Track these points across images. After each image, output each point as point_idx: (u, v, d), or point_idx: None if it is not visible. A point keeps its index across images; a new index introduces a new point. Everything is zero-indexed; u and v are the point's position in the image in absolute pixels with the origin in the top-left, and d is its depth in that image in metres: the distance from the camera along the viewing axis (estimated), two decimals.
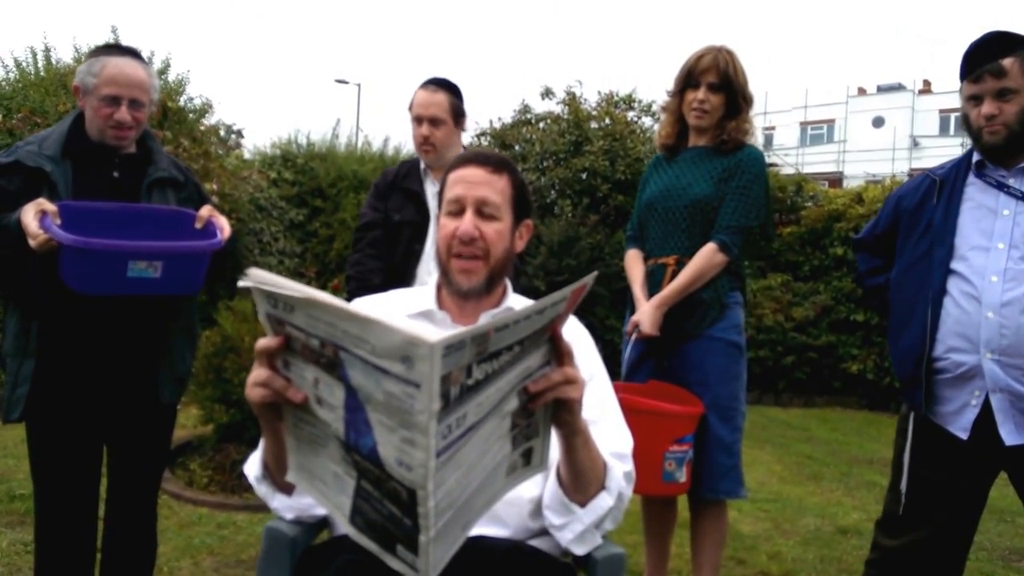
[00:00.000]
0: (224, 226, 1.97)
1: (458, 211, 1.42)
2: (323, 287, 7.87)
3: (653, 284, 2.32)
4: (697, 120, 2.32)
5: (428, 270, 2.44)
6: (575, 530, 1.28)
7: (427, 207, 2.50)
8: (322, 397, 1.06)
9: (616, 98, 8.78)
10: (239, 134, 9.46)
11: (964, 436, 1.86)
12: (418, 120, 2.46)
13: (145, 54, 8.57)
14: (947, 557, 2.03)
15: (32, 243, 1.70)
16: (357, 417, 1.03)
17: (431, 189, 2.53)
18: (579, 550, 1.29)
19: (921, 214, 2.01)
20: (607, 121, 8.28)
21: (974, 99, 1.87)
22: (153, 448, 2.12)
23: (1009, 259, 1.82)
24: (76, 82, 1.96)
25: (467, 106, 2.59)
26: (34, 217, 1.71)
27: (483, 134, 9.37)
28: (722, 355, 2.25)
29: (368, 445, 1.02)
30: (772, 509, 3.77)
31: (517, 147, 8.90)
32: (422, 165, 2.55)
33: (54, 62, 7.86)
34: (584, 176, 7.85)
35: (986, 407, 1.83)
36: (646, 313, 2.24)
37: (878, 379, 7.16)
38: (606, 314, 7.66)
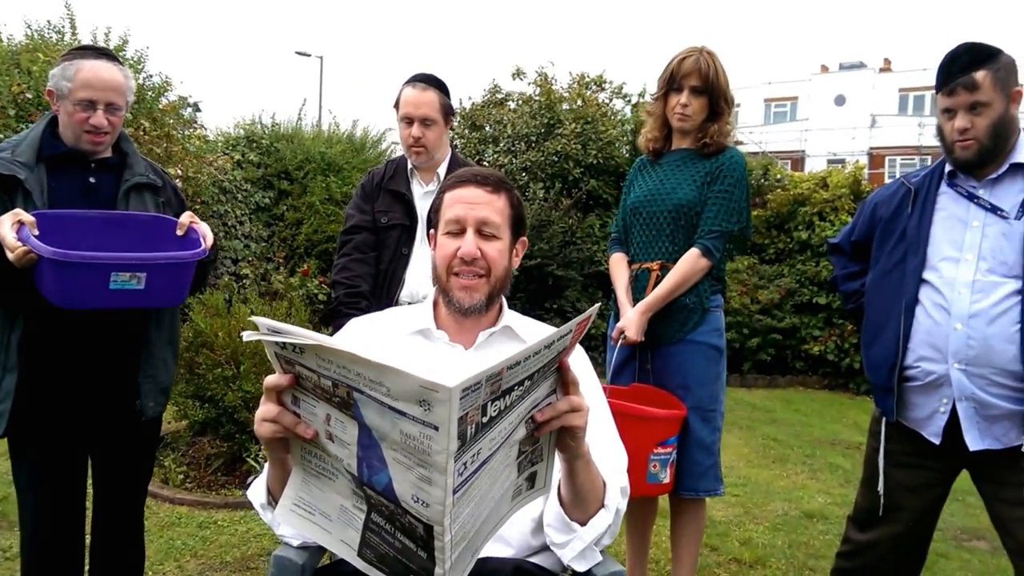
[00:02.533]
0: (207, 233, 1.96)
1: (459, 231, 1.44)
2: (292, 272, 7.82)
3: (638, 289, 2.37)
4: (680, 123, 2.36)
5: (416, 274, 2.45)
6: (576, 548, 1.32)
7: (415, 209, 2.48)
8: (334, 433, 1.08)
9: (587, 79, 8.78)
10: (195, 107, 9.23)
11: (937, 441, 1.95)
12: (408, 120, 2.41)
13: (100, 31, 8.27)
14: (914, 547, 2.15)
15: (10, 256, 1.66)
16: (371, 454, 1.05)
17: (419, 190, 2.51)
18: (580, 567, 1.34)
19: (896, 222, 2.08)
20: (579, 103, 8.29)
21: (948, 112, 1.93)
22: (138, 459, 2.12)
23: (978, 271, 1.89)
24: (49, 86, 1.91)
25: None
26: (11, 229, 1.68)
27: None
28: (703, 359, 2.31)
29: (383, 481, 1.05)
30: (742, 494, 3.89)
31: (488, 128, 8.87)
32: (409, 166, 2.53)
33: (5, 40, 7.57)
34: (556, 159, 7.87)
35: (954, 413, 1.92)
36: (631, 320, 2.28)
37: (838, 360, 7.37)
38: (577, 297, 7.73)
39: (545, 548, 1.39)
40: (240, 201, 8.13)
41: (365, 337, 1.50)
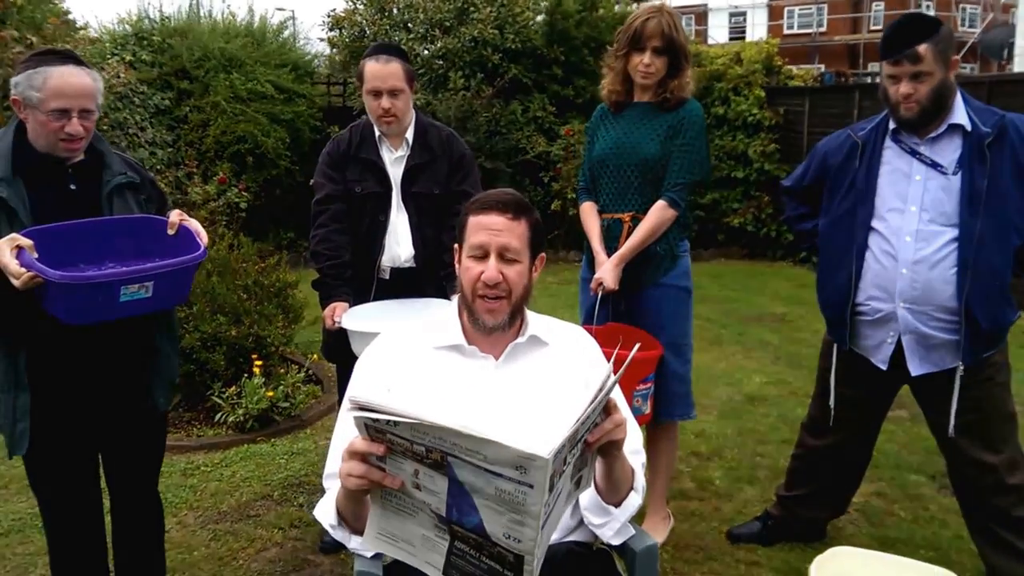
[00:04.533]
0: (199, 230, 1.98)
1: (482, 255, 1.54)
2: (206, 179, 7.48)
3: (611, 238, 2.50)
4: (643, 80, 2.45)
5: (395, 238, 2.50)
6: (614, 527, 1.52)
7: (388, 176, 2.50)
8: (422, 484, 1.19)
9: None
10: None
11: (884, 367, 2.22)
12: (376, 93, 2.41)
13: None
14: (860, 450, 2.49)
15: (16, 283, 1.65)
16: (462, 502, 1.17)
17: (388, 156, 2.52)
18: (616, 541, 1.54)
19: (845, 173, 2.26)
20: None
21: (892, 78, 2.08)
22: (151, 451, 2.17)
23: (920, 221, 2.11)
24: (16, 95, 1.82)
25: None
26: (11, 255, 1.66)
27: None
28: (675, 300, 2.50)
29: (474, 522, 1.18)
30: None
31: (395, 11, 8.41)
32: (376, 132, 2.51)
33: None
34: (473, 46, 7.61)
35: (899, 343, 2.19)
36: (608, 271, 2.42)
37: (757, 230, 7.82)
38: (506, 187, 7.76)
39: (580, 524, 1.58)
40: (138, 106, 7.56)
41: (398, 355, 1.58)
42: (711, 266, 7.51)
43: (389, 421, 1.12)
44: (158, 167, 7.53)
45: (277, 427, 3.78)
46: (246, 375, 3.83)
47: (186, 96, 7.86)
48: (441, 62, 7.75)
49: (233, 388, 3.81)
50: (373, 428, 1.15)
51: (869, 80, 12.68)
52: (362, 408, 1.12)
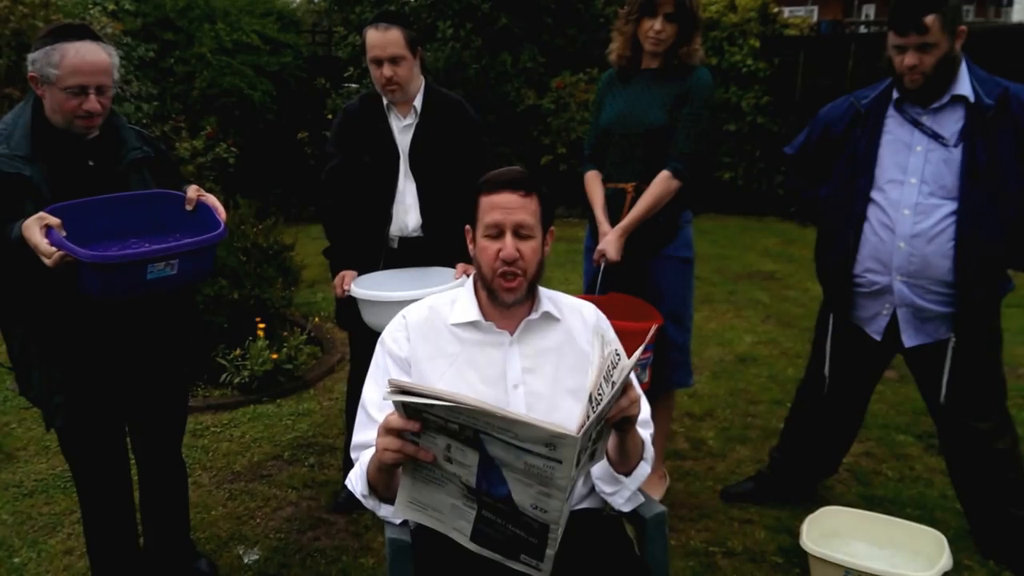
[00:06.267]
0: (217, 206, 2.02)
1: (497, 234, 1.59)
2: (194, 134, 7.39)
3: (614, 209, 2.55)
4: (653, 47, 2.47)
5: (403, 207, 2.54)
6: (624, 495, 1.62)
7: (395, 144, 2.52)
8: (453, 458, 1.28)
9: None
10: None
11: (878, 338, 2.31)
12: (377, 62, 2.41)
13: None
14: (851, 416, 2.60)
15: (47, 262, 1.70)
16: (491, 475, 1.26)
17: (397, 124, 2.53)
18: (627, 509, 1.64)
19: (847, 142, 2.29)
20: None
21: (898, 48, 2.10)
22: (177, 419, 2.27)
23: (920, 194, 2.16)
24: (33, 72, 1.84)
25: None
26: (41, 234, 1.71)
27: None
28: (676, 271, 2.57)
29: (502, 493, 1.27)
30: None
31: None
32: (384, 101, 2.52)
33: None
34: None
35: (894, 315, 2.27)
36: (611, 243, 2.48)
37: (748, 185, 7.85)
38: (495, 142, 7.73)
39: (591, 492, 1.68)
40: (122, 57, 7.39)
41: (418, 333, 1.64)
42: (700, 221, 7.45)
43: (427, 403, 1.19)
44: (144, 121, 7.43)
45: (281, 388, 3.85)
46: (250, 337, 3.89)
47: (170, 47, 7.70)
48: (431, 13, 7.61)
49: (237, 350, 3.87)
50: (411, 407, 1.23)
51: (864, 30, 12.54)
52: (402, 391, 1.20)
